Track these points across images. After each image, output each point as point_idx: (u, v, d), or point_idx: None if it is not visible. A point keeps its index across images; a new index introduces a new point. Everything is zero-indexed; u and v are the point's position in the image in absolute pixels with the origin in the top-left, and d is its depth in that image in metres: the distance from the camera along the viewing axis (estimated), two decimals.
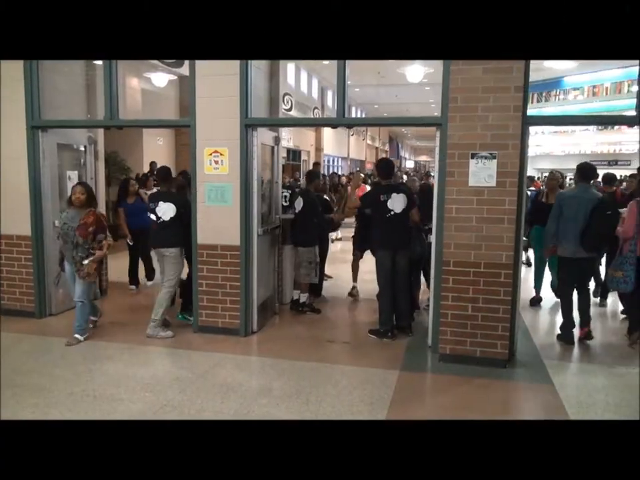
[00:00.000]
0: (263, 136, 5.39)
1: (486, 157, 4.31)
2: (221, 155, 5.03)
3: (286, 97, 19.53)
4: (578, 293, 5.18)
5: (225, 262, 5.13)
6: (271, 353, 4.77)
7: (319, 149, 25.28)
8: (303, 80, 21.93)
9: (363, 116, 33.20)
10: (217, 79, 4.92)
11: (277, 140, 5.90)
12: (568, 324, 5.09)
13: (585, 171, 5.10)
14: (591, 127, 26.43)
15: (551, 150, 26.69)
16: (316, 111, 21.97)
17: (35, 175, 5.56)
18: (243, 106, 4.94)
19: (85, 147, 6.31)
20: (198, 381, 4.10)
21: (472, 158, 4.34)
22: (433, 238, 4.71)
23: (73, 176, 6.11)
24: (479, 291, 4.42)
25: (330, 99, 23.79)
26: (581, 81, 20.23)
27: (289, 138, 21.01)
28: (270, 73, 5.91)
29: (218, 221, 5.10)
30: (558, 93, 21.16)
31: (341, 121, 4.90)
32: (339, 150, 29.26)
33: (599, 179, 7.50)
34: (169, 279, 5.24)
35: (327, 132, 25.93)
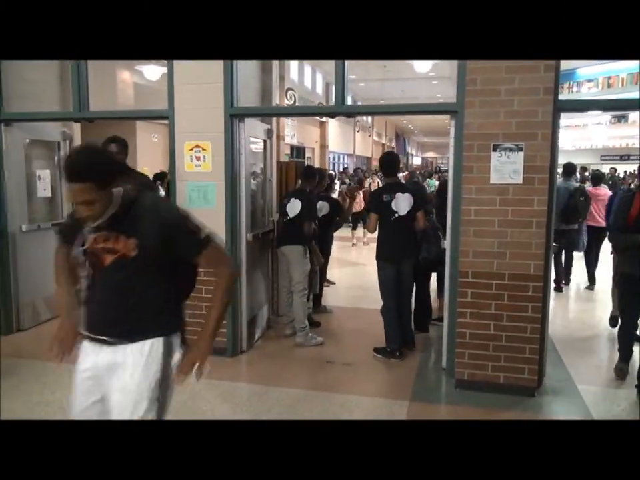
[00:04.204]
0: (252, 128, 4.76)
1: (510, 149, 3.65)
2: (203, 149, 4.39)
3: (289, 92, 18.93)
4: (565, 257, 7.15)
5: (209, 272, 4.46)
6: (261, 378, 4.14)
7: (323, 145, 24.64)
8: (307, 75, 21.32)
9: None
10: (198, 63, 4.28)
11: (270, 133, 5.26)
12: (557, 276, 6.95)
13: (567, 168, 7.09)
14: (604, 121, 25.78)
15: (561, 145, 25.83)
16: (320, 106, 21.30)
17: None
18: (227, 94, 4.30)
19: (59, 142, 5.71)
20: (170, 417, 3.46)
21: (494, 150, 3.68)
22: (447, 244, 4.06)
23: (43, 175, 5.51)
24: (502, 306, 3.76)
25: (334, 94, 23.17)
26: (595, 72, 19.46)
27: (292, 134, 20.41)
28: (262, 62, 5.27)
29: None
30: (571, 85, 20.41)
31: (340, 109, 4.24)
32: (344, 147, 28.59)
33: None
34: (297, 281, 4.88)
35: (332, 128, 25.30)
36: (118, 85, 10.68)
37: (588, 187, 7.91)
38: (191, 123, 4.39)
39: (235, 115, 4.35)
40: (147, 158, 11.75)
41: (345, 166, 26.10)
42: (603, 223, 6.85)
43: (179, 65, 4.34)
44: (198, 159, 4.41)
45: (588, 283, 7.25)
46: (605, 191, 7.45)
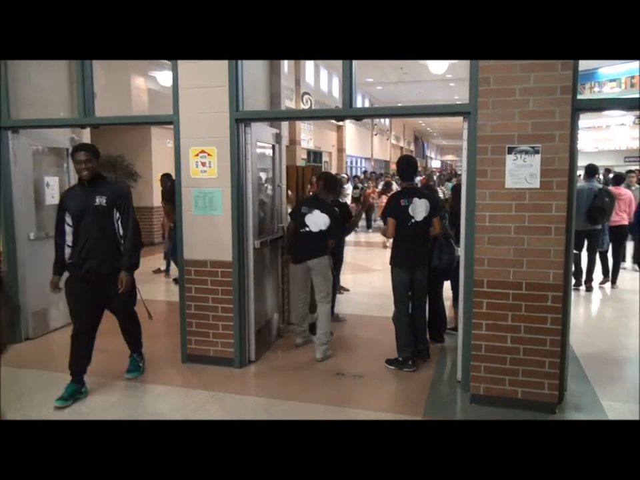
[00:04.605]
0: (259, 133, 4.64)
1: (527, 152, 3.47)
2: (209, 155, 4.28)
3: (305, 96, 18.84)
4: (588, 256, 7.19)
5: (216, 280, 4.38)
6: (267, 391, 4.00)
7: (341, 149, 24.49)
8: (323, 79, 21.22)
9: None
10: (202, 66, 4.18)
11: (279, 137, 5.13)
12: (577, 274, 7.13)
13: (590, 170, 7.13)
14: (627, 122, 25.19)
15: (582, 147, 25.39)
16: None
17: (5, 181, 4.92)
18: (232, 97, 4.18)
19: (67, 149, 5.65)
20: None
21: (509, 153, 3.50)
22: (461, 252, 3.88)
23: (52, 182, 5.45)
24: (520, 317, 3.57)
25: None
26: (617, 72, 19.00)
27: (308, 139, 20.30)
28: (270, 64, 5.15)
29: (207, 233, 4.36)
30: (592, 85, 19.95)
31: (348, 112, 4.09)
32: (362, 150, 28.44)
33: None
34: (327, 292, 4.78)
35: (350, 132, 25.16)
36: (132, 91, 10.68)
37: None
38: (196, 127, 4.28)
39: (240, 120, 4.23)
40: (163, 164, 11.72)
41: (365, 169, 25.82)
42: (622, 222, 7.41)
43: (183, 68, 4.24)
44: (204, 164, 4.30)
45: (602, 277, 7.52)
46: (625, 191, 7.74)
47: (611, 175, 13.21)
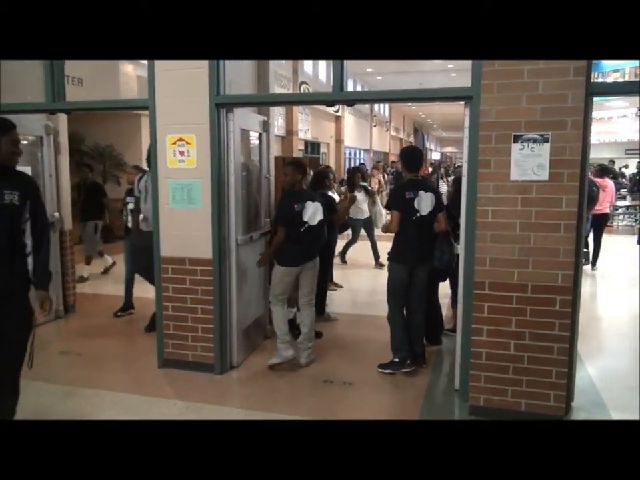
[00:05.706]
0: (244, 120, 4.29)
1: (535, 140, 3.12)
2: (187, 143, 3.94)
3: (303, 86, 18.45)
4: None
5: (195, 279, 4.05)
6: (247, 401, 3.67)
7: (339, 140, 24.12)
8: (322, 68, 20.80)
9: (386, 107, 31.80)
10: None
11: (266, 125, 4.77)
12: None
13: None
14: (630, 114, 24.82)
15: None
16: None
17: None
18: (213, 80, 3.83)
19: (42, 137, 5.30)
20: None
21: (515, 142, 3.16)
22: (461, 251, 3.54)
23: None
24: (524, 323, 3.24)
25: (351, 88, 22.54)
26: (621, 63, 18.58)
27: (306, 129, 19.91)
28: None
29: (185, 228, 4.02)
30: (596, 75, 19.54)
31: (337, 96, 3.72)
32: (361, 142, 28.03)
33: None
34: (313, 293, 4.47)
35: (348, 123, 24.78)
36: (120, 78, 10.30)
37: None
38: (173, 113, 3.93)
39: (221, 105, 3.88)
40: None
41: (362, 162, 25.30)
42: (604, 210, 8.11)
43: None
44: (182, 153, 3.96)
45: (591, 266, 8.08)
46: (609, 182, 8.44)
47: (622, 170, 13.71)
